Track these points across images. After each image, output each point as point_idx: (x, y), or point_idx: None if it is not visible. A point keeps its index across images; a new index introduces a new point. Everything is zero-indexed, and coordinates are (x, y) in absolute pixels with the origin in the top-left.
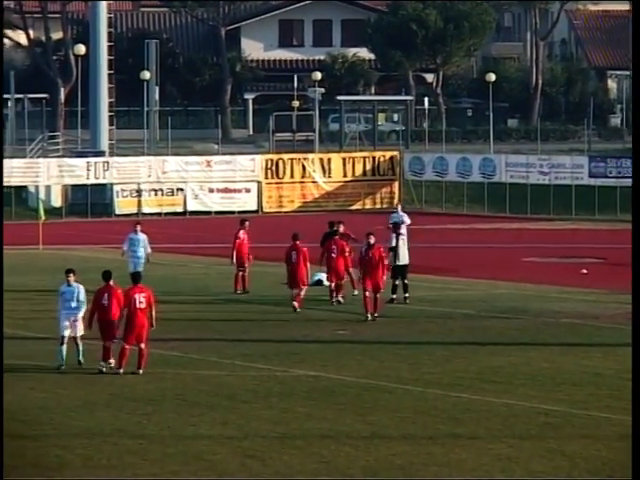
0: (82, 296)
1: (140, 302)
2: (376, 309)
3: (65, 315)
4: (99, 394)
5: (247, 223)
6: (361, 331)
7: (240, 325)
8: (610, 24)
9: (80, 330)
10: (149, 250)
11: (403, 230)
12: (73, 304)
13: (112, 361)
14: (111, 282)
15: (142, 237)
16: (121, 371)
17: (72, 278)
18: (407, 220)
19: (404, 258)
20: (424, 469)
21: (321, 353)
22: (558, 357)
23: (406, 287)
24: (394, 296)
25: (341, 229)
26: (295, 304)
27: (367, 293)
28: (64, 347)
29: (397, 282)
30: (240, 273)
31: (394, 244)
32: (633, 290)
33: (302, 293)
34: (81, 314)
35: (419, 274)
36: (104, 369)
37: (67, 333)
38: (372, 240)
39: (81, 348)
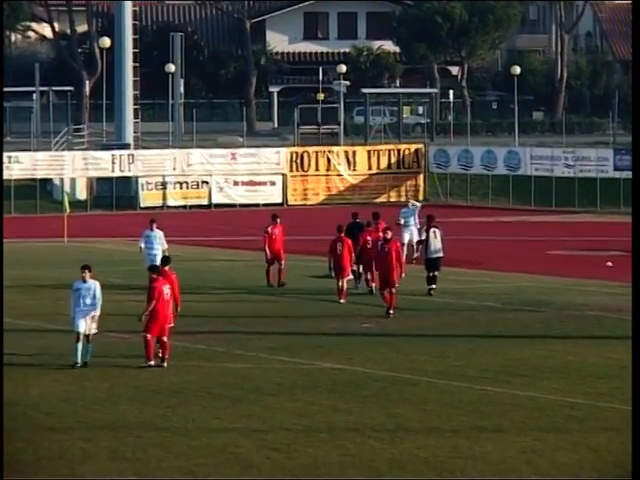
0: (98, 293)
1: (166, 294)
2: (392, 305)
3: (80, 312)
4: (123, 387)
5: (279, 219)
6: (386, 324)
7: (265, 318)
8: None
9: (94, 329)
10: (165, 246)
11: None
12: (88, 301)
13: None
14: (167, 268)
15: (158, 234)
16: (152, 363)
17: (88, 275)
18: (415, 213)
19: (439, 251)
20: (449, 462)
21: (346, 346)
22: (583, 350)
23: (435, 279)
24: (433, 286)
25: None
26: (342, 300)
27: (385, 292)
28: (80, 345)
29: (431, 274)
30: (270, 267)
31: (424, 237)
32: (633, 288)
33: (345, 286)
34: (97, 312)
35: (443, 267)
36: (164, 364)
37: (82, 330)
38: (388, 235)
39: (91, 349)
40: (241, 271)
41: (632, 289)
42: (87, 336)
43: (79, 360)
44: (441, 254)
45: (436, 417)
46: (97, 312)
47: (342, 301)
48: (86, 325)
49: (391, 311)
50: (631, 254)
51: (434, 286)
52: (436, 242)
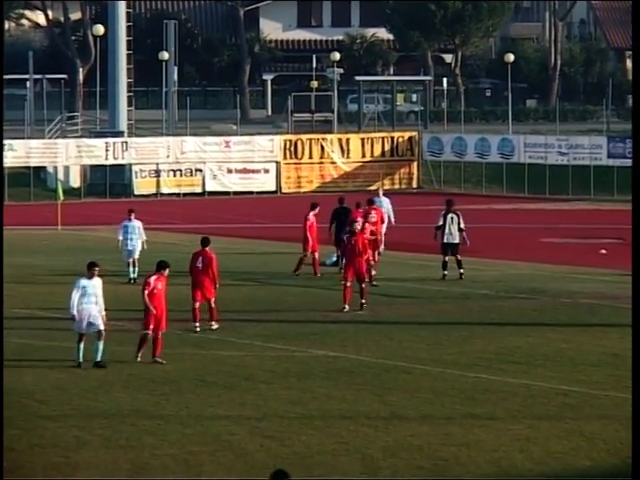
0: (100, 290)
1: (158, 288)
2: (363, 296)
3: (87, 310)
4: (117, 375)
5: (318, 208)
6: (380, 312)
7: (259, 306)
8: (629, 4)
9: (102, 324)
10: (144, 237)
11: (386, 214)
12: (93, 299)
13: (198, 325)
14: (207, 248)
15: (137, 224)
16: (139, 359)
17: (97, 272)
18: (387, 205)
19: (455, 237)
20: (442, 449)
21: (340, 334)
22: (577, 338)
23: (460, 263)
24: (445, 272)
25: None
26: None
27: (348, 283)
28: (82, 345)
29: (447, 258)
30: (305, 257)
31: (440, 223)
32: (633, 280)
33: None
34: (102, 309)
35: (437, 254)
36: (197, 329)
37: (84, 330)
38: (357, 227)
39: (101, 347)
40: (235, 259)
41: (632, 282)
42: (99, 332)
43: (82, 359)
44: (455, 240)
45: (430, 405)
46: (102, 309)
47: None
48: (93, 323)
49: (364, 300)
50: (631, 246)
51: (461, 270)
52: (452, 228)
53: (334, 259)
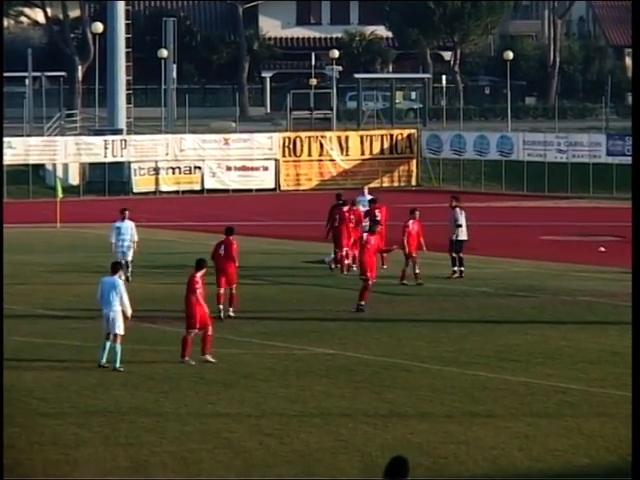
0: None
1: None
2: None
3: (111, 309)
4: (116, 372)
5: (417, 213)
6: (379, 310)
7: (258, 303)
8: (628, 2)
9: (121, 328)
10: (136, 238)
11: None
12: (117, 299)
13: (222, 307)
14: (231, 237)
15: (130, 225)
16: (188, 361)
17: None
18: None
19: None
20: (441, 447)
21: (339, 331)
22: (575, 335)
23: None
24: (455, 268)
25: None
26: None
27: (370, 282)
28: (108, 344)
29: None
30: (407, 266)
31: (460, 222)
32: (633, 278)
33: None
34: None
35: (436, 252)
36: (221, 313)
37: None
38: (378, 227)
39: (119, 350)
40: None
41: (632, 280)
42: (115, 336)
43: (104, 360)
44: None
45: (429, 402)
46: (129, 309)
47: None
48: (119, 324)
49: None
50: (631, 244)
51: (456, 268)
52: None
53: (332, 256)
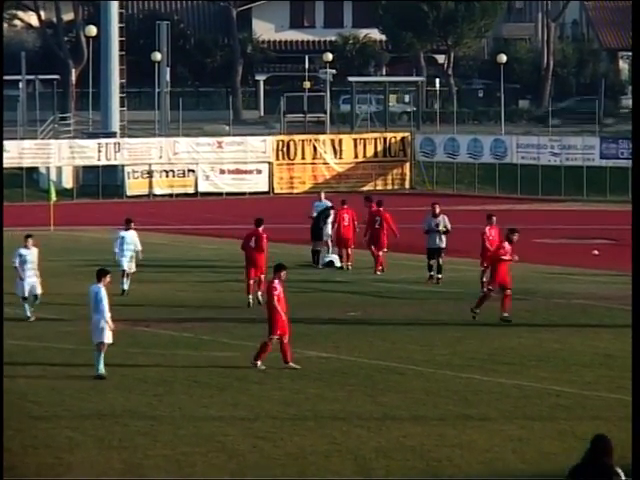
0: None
1: (282, 292)
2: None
3: (103, 321)
4: (110, 375)
5: (494, 218)
6: (372, 312)
7: (252, 306)
8: (621, 5)
9: (110, 338)
10: (139, 247)
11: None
12: (107, 307)
13: (251, 297)
14: (260, 228)
15: (133, 234)
16: (260, 366)
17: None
18: (317, 203)
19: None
20: (435, 450)
21: (333, 334)
22: (569, 338)
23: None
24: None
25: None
26: (379, 269)
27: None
28: (103, 354)
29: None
30: (485, 273)
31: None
32: (633, 282)
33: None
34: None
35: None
36: (250, 301)
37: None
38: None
39: (102, 357)
40: (227, 259)
41: (632, 282)
42: (102, 344)
43: (103, 370)
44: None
45: (422, 405)
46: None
47: (379, 269)
48: (106, 333)
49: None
50: (630, 246)
51: (433, 274)
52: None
53: (327, 260)
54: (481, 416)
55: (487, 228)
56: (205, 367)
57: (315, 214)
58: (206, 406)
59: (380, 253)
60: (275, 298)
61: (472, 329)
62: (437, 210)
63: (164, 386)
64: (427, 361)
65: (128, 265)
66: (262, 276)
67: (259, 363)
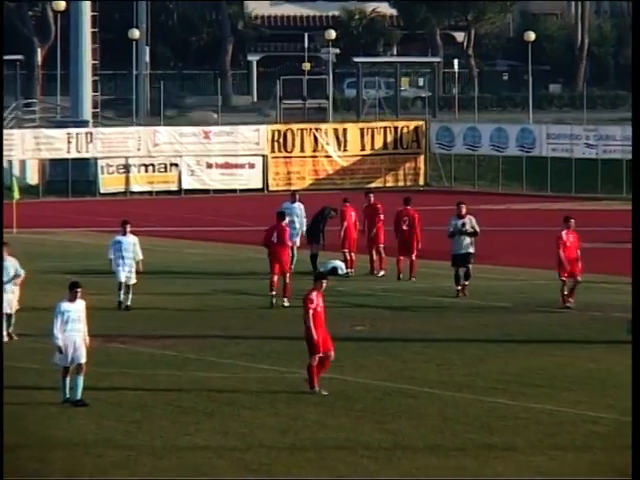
0: (84, 314)
1: (320, 306)
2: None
3: (71, 339)
4: (80, 403)
5: (573, 221)
6: (382, 327)
7: (243, 320)
8: None
9: (84, 357)
10: (140, 256)
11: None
12: (77, 325)
13: (274, 293)
14: (284, 223)
15: (132, 240)
16: (320, 391)
17: (80, 294)
18: (301, 212)
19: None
20: None
21: (337, 352)
22: (607, 357)
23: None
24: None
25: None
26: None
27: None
28: (68, 379)
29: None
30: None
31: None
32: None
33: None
34: (87, 338)
35: (449, 261)
36: (273, 300)
37: (69, 362)
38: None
39: (81, 383)
40: (216, 266)
41: (632, 285)
42: (79, 366)
43: (68, 395)
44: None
45: (439, 434)
46: (87, 338)
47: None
48: (74, 357)
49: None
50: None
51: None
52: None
53: (330, 267)
54: (506, 446)
55: (563, 232)
56: (190, 390)
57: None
58: (191, 434)
59: (413, 257)
60: (310, 314)
61: (496, 346)
62: (463, 211)
63: (143, 411)
64: (444, 383)
65: (126, 276)
66: (288, 278)
67: (317, 388)
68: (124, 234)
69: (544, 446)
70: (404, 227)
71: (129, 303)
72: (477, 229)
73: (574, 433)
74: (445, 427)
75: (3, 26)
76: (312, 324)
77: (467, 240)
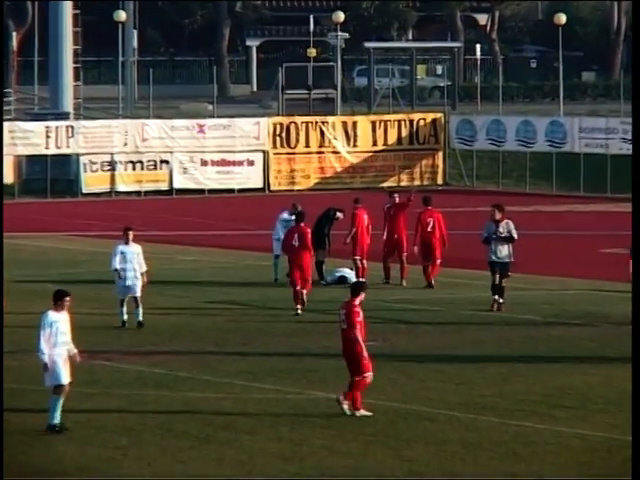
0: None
1: (342, 320)
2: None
3: (58, 355)
4: (60, 421)
5: None
6: (396, 342)
7: (241, 335)
8: None
9: (68, 377)
10: (144, 268)
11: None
12: (64, 338)
13: (300, 307)
14: (302, 224)
15: (136, 250)
16: (365, 413)
17: (67, 304)
18: (285, 216)
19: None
20: None
21: (345, 370)
22: None
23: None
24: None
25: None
26: (432, 282)
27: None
28: (61, 399)
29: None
30: None
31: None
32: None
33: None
34: (74, 350)
35: (469, 269)
36: (299, 311)
37: (65, 380)
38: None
39: (60, 404)
40: (211, 275)
41: (632, 287)
42: (61, 387)
43: (59, 420)
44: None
45: (459, 461)
46: (74, 350)
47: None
48: (57, 374)
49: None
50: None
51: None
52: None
53: (338, 275)
54: (534, 474)
55: None
56: (182, 412)
57: (281, 232)
58: (183, 462)
59: (438, 263)
60: (358, 327)
61: (522, 364)
62: (497, 216)
63: (130, 436)
64: (464, 404)
65: (128, 290)
66: (308, 285)
67: (363, 412)
68: (127, 243)
69: (576, 474)
70: (429, 230)
71: (141, 319)
72: (514, 234)
73: (609, 460)
74: (466, 454)
75: (3, 26)
76: (360, 337)
77: (503, 247)
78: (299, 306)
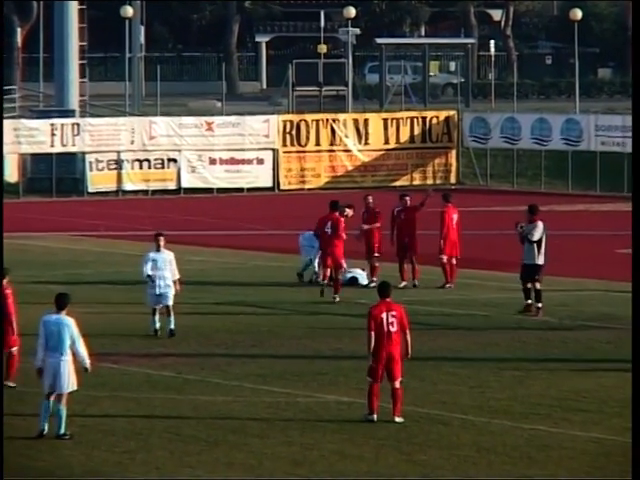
0: (76, 332)
1: (390, 323)
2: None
3: (59, 358)
4: (66, 426)
5: None
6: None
7: (251, 337)
8: None
9: (73, 385)
10: (177, 276)
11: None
12: (65, 343)
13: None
14: (336, 213)
15: (168, 257)
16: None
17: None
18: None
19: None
20: None
21: (357, 373)
22: None
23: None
24: (529, 301)
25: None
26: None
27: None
28: (51, 404)
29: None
30: None
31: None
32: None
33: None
34: (86, 359)
35: (484, 270)
36: (325, 288)
37: (65, 389)
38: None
39: (64, 413)
40: (220, 275)
41: (632, 287)
42: (60, 395)
43: (46, 427)
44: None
45: (472, 465)
46: (86, 361)
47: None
48: (66, 379)
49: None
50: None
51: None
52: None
53: (349, 276)
54: (549, 478)
55: None
56: (191, 416)
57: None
58: (192, 466)
59: (454, 261)
60: (372, 334)
61: (537, 367)
62: (529, 217)
63: (137, 440)
64: (478, 407)
65: (160, 299)
66: (340, 274)
67: (398, 419)
68: (158, 250)
69: (592, 478)
70: (453, 226)
71: (172, 327)
72: (531, 237)
73: (625, 464)
74: (479, 458)
75: (3, 25)
76: (373, 342)
77: (533, 249)
78: (326, 281)
